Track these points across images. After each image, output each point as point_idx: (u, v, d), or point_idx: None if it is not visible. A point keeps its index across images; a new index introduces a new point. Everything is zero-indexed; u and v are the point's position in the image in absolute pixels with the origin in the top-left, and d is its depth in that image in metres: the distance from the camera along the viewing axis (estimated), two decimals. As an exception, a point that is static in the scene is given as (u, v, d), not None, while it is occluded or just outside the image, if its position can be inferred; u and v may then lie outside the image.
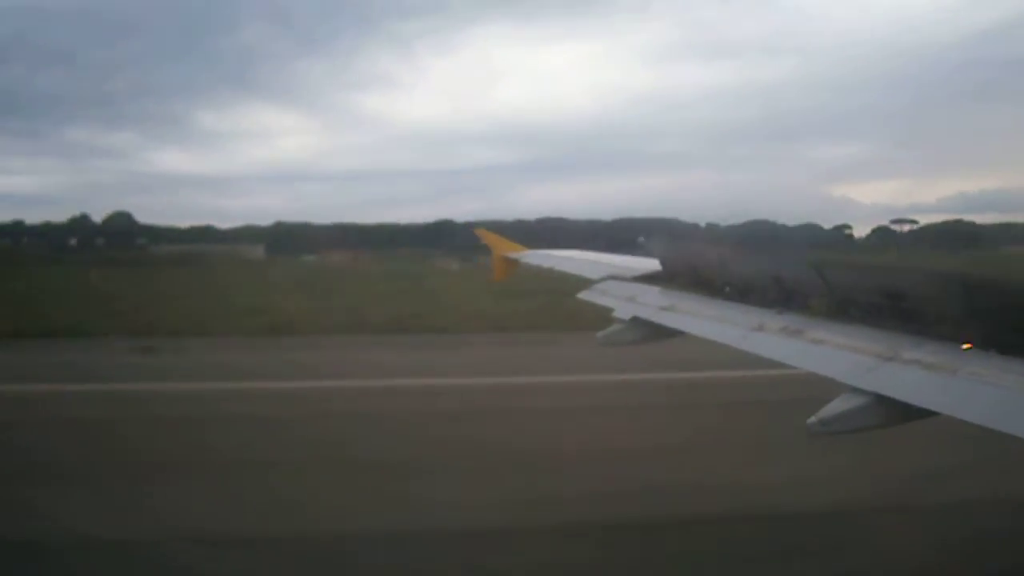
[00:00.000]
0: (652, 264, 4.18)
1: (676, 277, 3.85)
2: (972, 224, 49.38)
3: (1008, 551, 4.85)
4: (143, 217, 56.17)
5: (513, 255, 6.52)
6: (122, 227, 53.70)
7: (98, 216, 56.22)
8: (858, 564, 4.95)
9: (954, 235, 44.32)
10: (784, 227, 46.00)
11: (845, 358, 2.42)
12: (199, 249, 44.71)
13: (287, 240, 51.00)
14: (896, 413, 2.11)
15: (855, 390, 2.22)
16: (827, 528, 5.39)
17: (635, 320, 3.79)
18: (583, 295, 4.48)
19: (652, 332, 3.70)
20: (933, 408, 1.97)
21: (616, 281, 4.33)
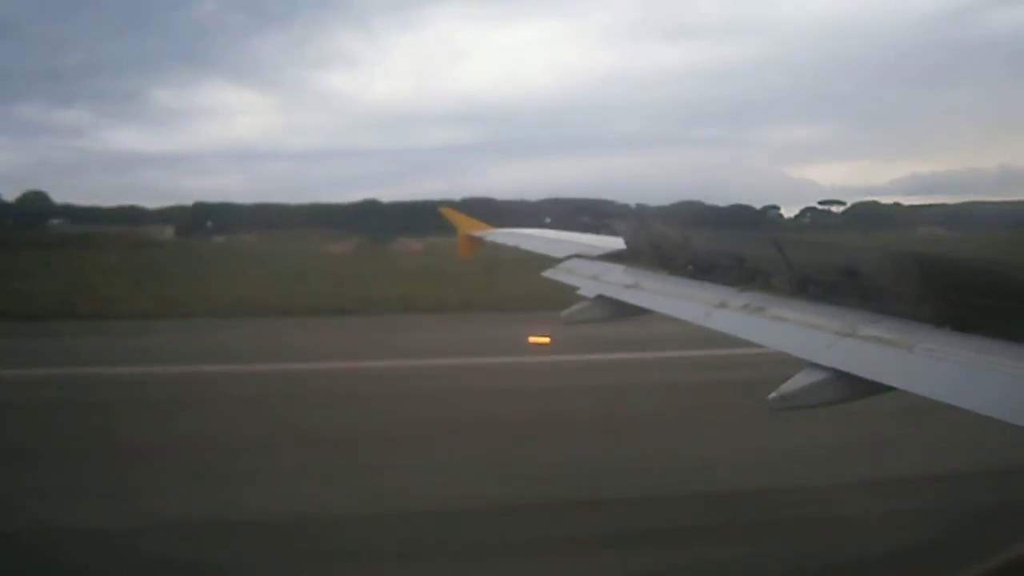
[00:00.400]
0: (617, 243, 4.24)
1: (641, 255, 3.93)
2: (898, 205, 53.29)
3: (936, 526, 5.05)
4: (92, 198, 53.07)
5: (478, 234, 6.48)
6: (35, 207, 50.26)
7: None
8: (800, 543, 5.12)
9: (877, 216, 47.54)
10: (714, 208, 47.82)
11: (805, 335, 2.54)
12: (104, 230, 42.74)
13: (209, 220, 49.69)
14: (854, 388, 2.23)
15: (814, 366, 2.34)
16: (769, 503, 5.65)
17: (599, 298, 3.86)
18: (548, 273, 4.51)
19: (617, 310, 3.77)
20: (890, 383, 2.09)
21: (581, 259, 4.38)
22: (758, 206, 50.39)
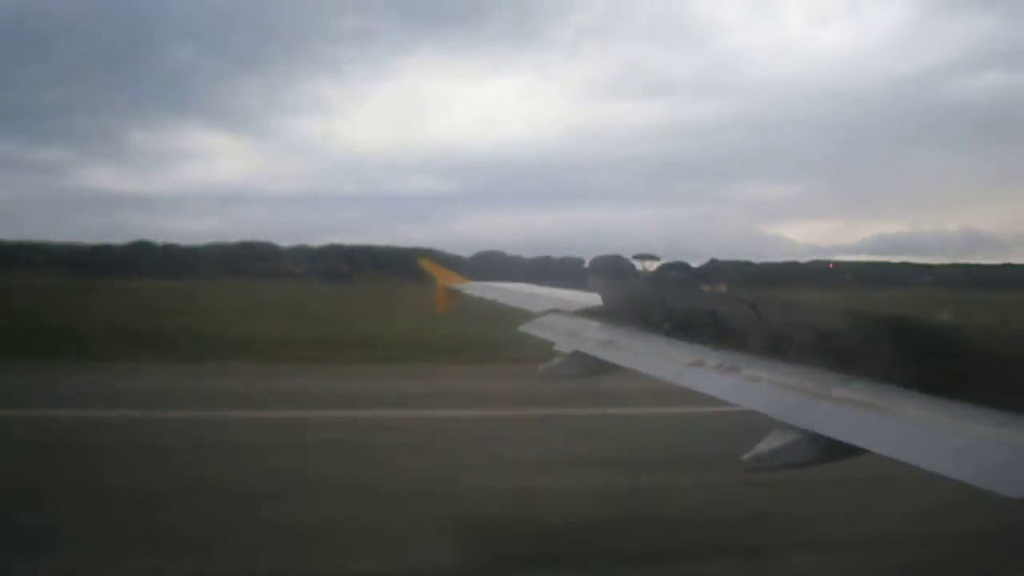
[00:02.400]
0: (594, 299, 4.21)
1: (617, 312, 3.88)
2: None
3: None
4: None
5: (455, 286, 6.44)
6: None
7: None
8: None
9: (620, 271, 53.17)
10: (517, 258, 52.86)
11: (779, 395, 2.47)
12: None
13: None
14: (827, 450, 2.15)
15: (788, 427, 2.25)
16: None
17: (576, 354, 3.78)
18: (525, 328, 4.45)
19: (593, 366, 3.69)
20: (862, 445, 2.02)
21: (558, 315, 4.33)
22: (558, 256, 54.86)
